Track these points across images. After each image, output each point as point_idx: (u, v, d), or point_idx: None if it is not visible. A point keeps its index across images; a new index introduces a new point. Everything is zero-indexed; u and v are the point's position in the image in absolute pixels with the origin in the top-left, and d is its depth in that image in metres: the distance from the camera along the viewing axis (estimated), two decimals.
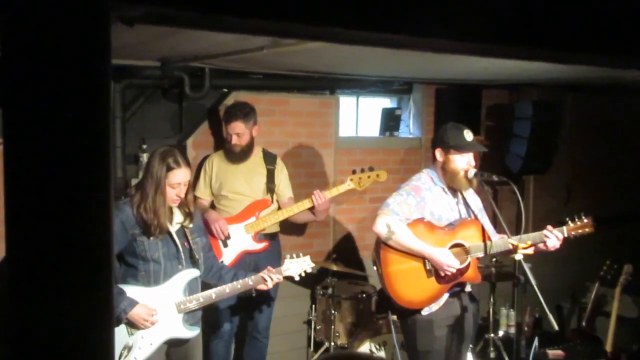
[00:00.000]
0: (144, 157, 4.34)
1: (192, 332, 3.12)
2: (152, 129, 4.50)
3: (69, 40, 1.19)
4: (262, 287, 3.19)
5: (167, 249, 3.04)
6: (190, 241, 3.10)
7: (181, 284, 3.06)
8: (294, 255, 3.31)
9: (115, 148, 4.21)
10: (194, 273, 3.10)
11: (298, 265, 3.29)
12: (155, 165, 2.96)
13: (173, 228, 3.07)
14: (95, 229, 1.29)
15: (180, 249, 3.07)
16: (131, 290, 2.98)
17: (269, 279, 3.17)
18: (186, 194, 3.06)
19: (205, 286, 3.19)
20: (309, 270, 3.34)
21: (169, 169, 2.95)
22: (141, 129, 4.44)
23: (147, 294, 3.01)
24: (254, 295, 3.33)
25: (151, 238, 2.99)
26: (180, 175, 2.98)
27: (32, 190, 1.23)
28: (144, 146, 4.35)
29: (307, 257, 3.33)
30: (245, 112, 4.05)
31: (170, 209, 3.06)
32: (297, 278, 3.33)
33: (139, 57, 3.98)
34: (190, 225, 3.12)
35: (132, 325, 2.97)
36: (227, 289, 3.13)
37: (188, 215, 3.09)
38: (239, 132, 4.04)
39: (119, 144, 4.24)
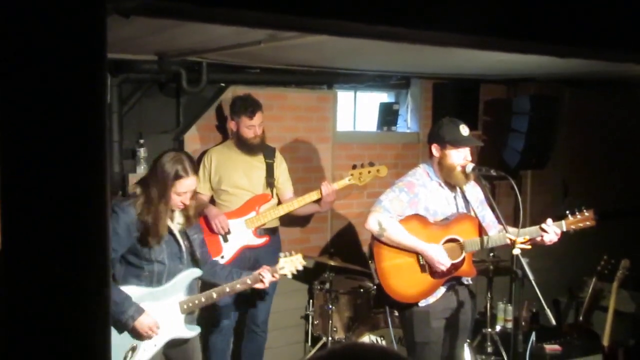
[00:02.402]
0: (141, 152, 4.33)
1: (193, 332, 3.12)
2: (149, 123, 4.49)
3: (64, 32, 1.18)
4: (259, 285, 3.19)
5: (170, 249, 3.02)
6: (190, 239, 3.10)
7: (184, 284, 3.06)
8: (287, 254, 3.30)
9: (113, 143, 4.20)
10: (196, 273, 3.09)
11: (292, 263, 3.28)
12: (163, 170, 2.88)
13: (175, 227, 3.04)
14: (92, 226, 1.28)
15: (183, 249, 3.06)
16: (135, 291, 2.95)
17: (266, 277, 3.16)
18: (191, 200, 3.02)
19: (203, 284, 3.19)
20: (300, 268, 3.33)
21: (177, 177, 2.89)
22: (138, 124, 4.43)
23: (151, 294, 2.98)
24: (248, 291, 3.33)
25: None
26: (186, 184, 2.92)
27: (28, 185, 1.22)
28: (141, 141, 4.34)
29: (299, 255, 3.31)
30: (259, 102, 4.10)
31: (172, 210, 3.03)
32: (289, 276, 3.32)
33: (136, 51, 3.97)
34: (187, 224, 3.09)
35: (136, 333, 2.93)
36: (227, 288, 3.12)
37: (189, 218, 3.06)
38: (261, 121, 4.09)
39: (116, 138, 4.22)
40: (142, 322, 2.89)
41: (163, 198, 2.88)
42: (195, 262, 3.11)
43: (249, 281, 3.16)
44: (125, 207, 2.93)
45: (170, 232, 3.01)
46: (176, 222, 3.06)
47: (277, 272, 3.23)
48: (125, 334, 2.94)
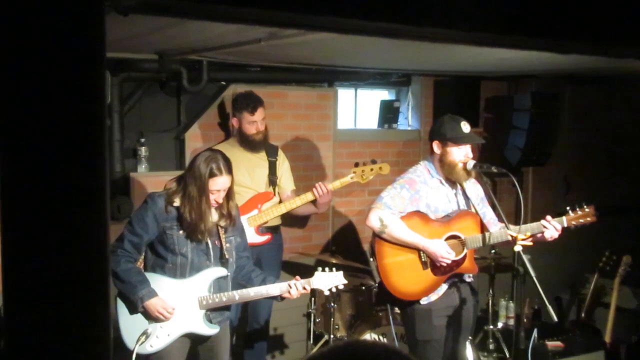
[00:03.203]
0: (143, 151, 4.33)
1: (212, 330, 3.11)
2: (150, 122, 4.49)
3: (62, 31, 1.18)
4: (287, 295, 3.14)
5: (196, 245, 3.06)
6: (223, 240, 3.11)
7: (207, 281, 3.07)
8: (326, 269, 3.24)
9: (114, 142, 4.20)
10: (221, 272, 3.10)
11: (329, 279, 3.21)
12: (199, 169, 2.97)
13: None
14: (92, 225, 1.28)
15: (210, 246, 3.08)
16: (157, 279, 3.04)
17: (294, 288, 3.11)
18: (229, 200, 3.08)
19: (235, 286, 3.18)
20: (340, 287, 3.27)
21: (212, 175, 2.97)
22: (139, 123, 4.43)
23: (172, 285, 3.04)
24: (279, 301, 3.30)
25: (181, 232, 3.02)
26: (220, 183, 3.00)
27: (28, 184, 1.22)
28: (143, 140, 4.35)
29: (340, 273, 3.24)
30: (261, 99, 4.11)
31: None
32: (326, 293, 3.25)
33: (137, 50, 3.97)
34: (222, 224, 3.11)
35: (147, 315, 3.02)
36: (251, 293, 3.12)
37: (223, 216, 3.09)
38: (263, 117, 4.09)
39: (118, 137, 4.22)
40: (150, 304, 2.97)
41: (203, 195, 2.97)
42: (223, 262, 3.12)
43: (277, 290, 3.13)
44: (155, 198, 3.06)
45: None
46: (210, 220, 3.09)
47: (310, 284, 3.16)
48: (140, 318, 3.02)
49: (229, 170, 3.04)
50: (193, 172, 2.99)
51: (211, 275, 3.09)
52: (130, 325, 3.01)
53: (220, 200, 3.05)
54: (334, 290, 3.26)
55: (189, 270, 3.06)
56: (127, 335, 2.99)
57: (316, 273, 3.22)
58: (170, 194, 3.04)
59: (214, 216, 3.07)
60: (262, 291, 3.12)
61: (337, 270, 4.41)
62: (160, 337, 3.03)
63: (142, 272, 3.06)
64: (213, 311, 3.12)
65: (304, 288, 3.14)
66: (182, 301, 3.05)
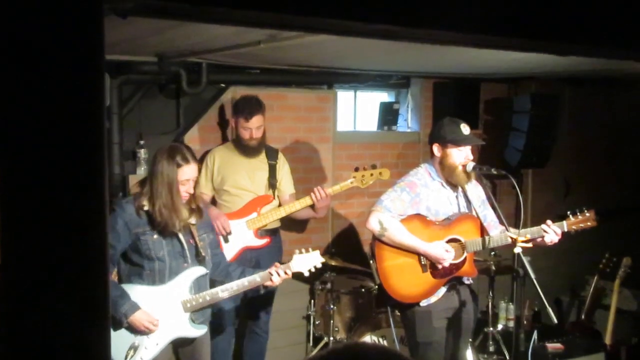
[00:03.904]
0: (142, 153, 4.33)
1: (199, 331, 3.08)
2: (149, 124, 4.49)
3: (61, 33, 1.18)
4: (269, 283, 3.11)
5: (171, 247, 2.99)
6: (197, 238, 3.05)
7: (187, 282, 3.01)
8: (303, 250, 3.20)
9: (113, 144, 4.20)
10: (200, 271, 3.04)
11: (307, 260, 3.18)
12: (164, 163, 2.89)
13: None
14: (91, 227, 1.28)
15: (186, 247, 3.01)
16: (136, 290, 2.95)
17: (275, 274, 3.08)
18: (194, 193, 3.01)
19: (213, 284, 3.15)
20: (318, 266, 3.24)
21: (178, 166, 2.90)
22: (139, 125, 4.43)
23: (153, 293, 2.96)
24: (261, 292, 3.26)
25: (155, 236, 2.94)
26: (188, 172, 2.93)
27: (27, 187, 1.22)
28: (142, 142, 4.34)
29: (317, 252, 3.21)
30: (262, 104, 4.08)
31: None
32: (306, 274, 3.22)
33: (136, 53, 3.97)
34: (194, 222, 3.05)
35: (133, 329, 2.94)
36: (234, 286, 3.07)
37: (193, 211, 3.02)
38: (259, 125, 4.05)
39: (117, 140, 4.22)
40: (135, 319, 2.89)
41: (173, 188, 2.89)
42: (200, 261, 3.06)
43: (258, 279, 3.08)
44: (123, 205, 2.96)
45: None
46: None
47: (290, 269, 3.13)
48: (126, 332, 2.94)
49: (195, 159, 2.98)
50: (158, 167, 2.90)
51: (191, 276, 3.02)
52: (115, 341, 2.86)
53: (192, 191, 2.96)
54: (312, 270, 3.22)
55: (168, 275, 2.98)
56: (114, 352, 2.85)
57: (294, 256, 3.18)
58: (137, 197, 2.95)
59: (183, 214, 2.98)
60: (245, 283, 3.07)
61: (337, 272, 4.43)
62: (149, 347, 2.96)
63: (119, 285, 2.96)
64: (195, 312, 3.06)
65: (285, 273, 3.10)
66: (165, 308, 2.97)
